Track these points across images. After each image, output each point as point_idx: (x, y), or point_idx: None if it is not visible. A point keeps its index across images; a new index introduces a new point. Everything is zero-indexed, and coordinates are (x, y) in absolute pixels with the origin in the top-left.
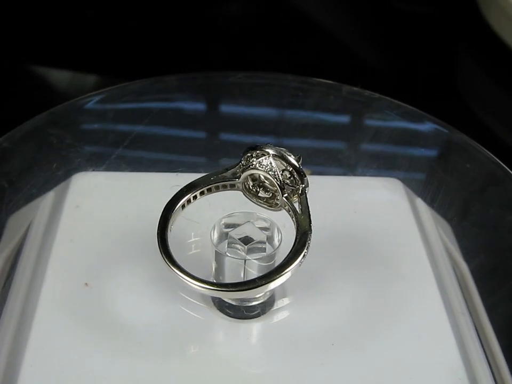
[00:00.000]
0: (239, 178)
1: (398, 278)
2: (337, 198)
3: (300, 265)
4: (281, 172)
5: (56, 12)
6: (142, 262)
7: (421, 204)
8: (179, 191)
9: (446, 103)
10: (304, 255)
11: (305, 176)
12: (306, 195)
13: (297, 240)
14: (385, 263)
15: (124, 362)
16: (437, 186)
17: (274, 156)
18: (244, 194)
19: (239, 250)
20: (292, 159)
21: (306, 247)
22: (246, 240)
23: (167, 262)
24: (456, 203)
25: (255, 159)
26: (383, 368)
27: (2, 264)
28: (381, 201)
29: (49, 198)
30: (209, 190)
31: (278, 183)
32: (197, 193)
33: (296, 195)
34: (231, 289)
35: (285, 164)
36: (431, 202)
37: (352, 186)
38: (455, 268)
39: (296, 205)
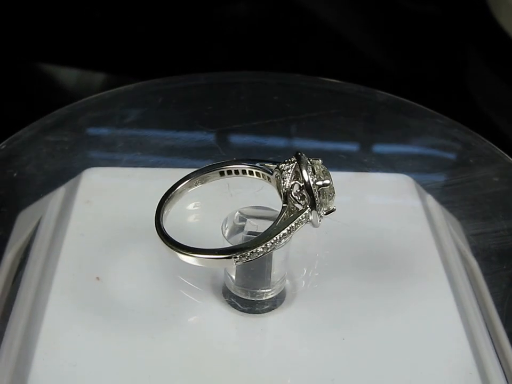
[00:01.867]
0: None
1: (409, 274)
2: (347, 194)
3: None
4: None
5: (65, 11)
6: (153, 257)
7: (431, 200)
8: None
9: (456, 103)
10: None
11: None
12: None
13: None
14: (396, 259)
15: (135, 355)
16: (447, 184)
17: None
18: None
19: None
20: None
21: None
22: (256, 234)
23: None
24: (466, 201)
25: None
26: (394, 363)
27: (13, 259)
28: (392, 197)
29: (59, 193)
30: (244, 172)
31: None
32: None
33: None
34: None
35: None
36: (440, 200)
37: (363, 183)
38: (465, 264)
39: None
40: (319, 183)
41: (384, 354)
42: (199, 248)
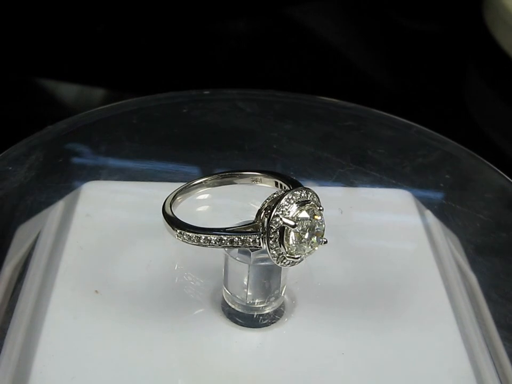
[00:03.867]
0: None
1: (408, 289)
2: (346, 208)
3: None
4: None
5: (66, 26)
6: (152, 270)
7: (430, 215)
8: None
9: (454, 120)
10: None
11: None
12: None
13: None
14: (395, 274)
15: (134, 369)
16: (445, 200)
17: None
18: None
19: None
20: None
21: None
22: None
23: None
24: (464, 217)
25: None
26: (393, 378)
27: (11, 272)
28: (391, 212)
29: (59, 207)
30: (276, 184)
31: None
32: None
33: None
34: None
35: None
36: (439, 215)
37: (361, 197)
38: (464, 279)
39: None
40: (286, 220)
41: (383, 369)
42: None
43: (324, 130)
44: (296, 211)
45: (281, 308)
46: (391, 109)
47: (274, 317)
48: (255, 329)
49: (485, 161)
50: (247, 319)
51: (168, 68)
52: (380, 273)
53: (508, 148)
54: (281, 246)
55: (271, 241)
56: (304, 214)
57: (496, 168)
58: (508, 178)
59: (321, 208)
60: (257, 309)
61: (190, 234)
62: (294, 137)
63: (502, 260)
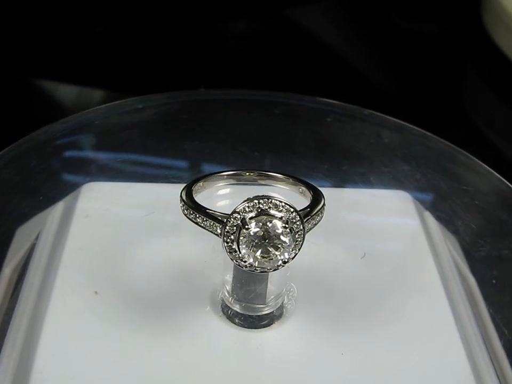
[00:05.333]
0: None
1: (407, 291)
2: (345, 210)
3: None
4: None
5: (65, 27)
6: (152, 271)
7: (429, 217)
8: None
9: (453, 122)
10: None
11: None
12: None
13: None
14: (394, 276)
15: (133, 370)
16: (443, 201)
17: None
18: None
19: None
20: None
21: None
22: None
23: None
24: (463, 219)
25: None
26: (393, 378)
27: (11, 273)
28: (390, 214)
29: (58, 207)
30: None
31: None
32: None
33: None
34: None
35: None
36: (438, 216)
37: (360, 199)
38: (463, 281)
39: None
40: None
41: (383, 369)
42: None
43: (324, 131)
44: (255, 216)
45: (280, 309)
46: (390, 110)
47: (273, 318)
48: (255, 330)
49: (484, 164)
50: (247, 320)
51: (168, 69)
52: (378, 275)
53: (507, 149)
54: (233, 242)
55: (225, 237)
56: (258, 224)
57: (495, 172)
58: (506, 181)
59: (286, 226)
60: (256, 310)
61: (184, 202)
62: (294, 138)
63: (501, 262)
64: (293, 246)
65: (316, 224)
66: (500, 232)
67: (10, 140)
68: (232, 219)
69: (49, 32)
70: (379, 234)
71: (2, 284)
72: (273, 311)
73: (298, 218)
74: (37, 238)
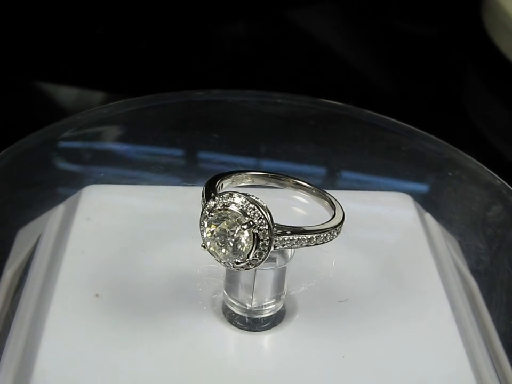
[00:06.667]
0: None
1: (408, 293)
2: (346, 212)
3: None
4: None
5: (65, 28)
6: (152, 274)
7: (430, 219)
8: None
9: (453, 123)
10: None
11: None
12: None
13: None
14: (395, 278)
15: (134, 372)
16: (444, 203)
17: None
18: None
19: None
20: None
21: None
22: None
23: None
24: (464, 220)
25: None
26: (394, 380)
27: (12, 276)
28: (391, 215)
29: (59, 211)
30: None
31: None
32: None
33: None
34: None
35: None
36: (438, 218)
37: (362, 201)
38: (464, 283)
39: None
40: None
41: (384, 371)
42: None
43: (323, 132)
44: (221, 207)
45: (281, 311)
46: (390, 112)
47: (275, 320)
48: (256, 332)
49: (484, 166)
50: (248, 322)
51: (168, 70)
52: (379, 276)
53: (507, 151)
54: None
55: (201, 219)
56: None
57: (495, 174)
58: (506, 183)
59: (244, 227)
60: (258, 312)
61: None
62: (293, 139)
63: (501, 263)
64: (255, 252)
65: (324, 242)
66: (500, 234)
67: (10, 141)
68: (213, 201)
69: (49, 33)
70: (379, 235)
71: (4, 287)
72: (274, 314)
73: (267, 228)
74: (38, 240)
